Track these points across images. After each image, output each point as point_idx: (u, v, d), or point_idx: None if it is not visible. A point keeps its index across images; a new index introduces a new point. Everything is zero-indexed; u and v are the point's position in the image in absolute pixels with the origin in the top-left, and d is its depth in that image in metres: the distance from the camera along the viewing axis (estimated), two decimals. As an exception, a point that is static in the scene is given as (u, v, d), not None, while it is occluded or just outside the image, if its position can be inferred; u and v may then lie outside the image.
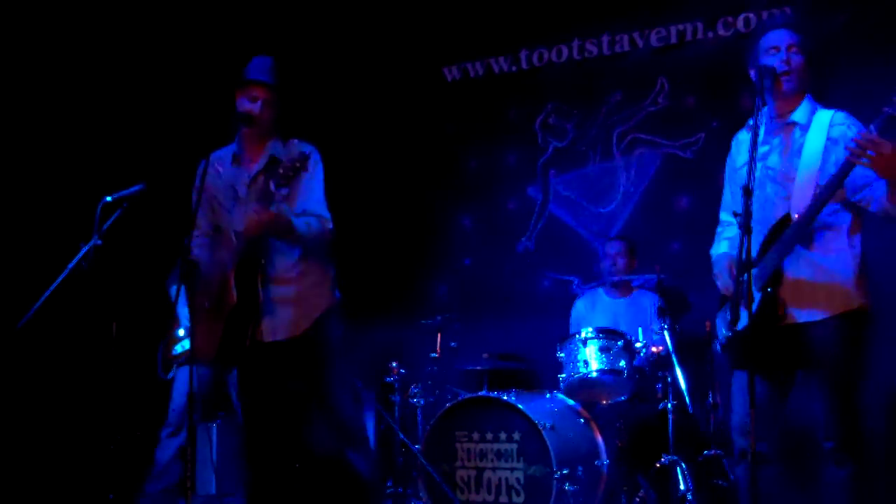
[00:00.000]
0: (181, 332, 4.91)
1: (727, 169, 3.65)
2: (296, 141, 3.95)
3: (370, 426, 5.66)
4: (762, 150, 3.42)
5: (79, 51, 6.11)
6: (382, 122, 6.71)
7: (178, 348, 4.90)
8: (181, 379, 4.85)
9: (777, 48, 3.38)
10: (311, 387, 3.91)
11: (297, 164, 3.60)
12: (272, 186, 3.63)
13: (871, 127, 3.05)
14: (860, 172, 3.14)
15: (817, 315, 3.26)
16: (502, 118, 6.60)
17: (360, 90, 6.69)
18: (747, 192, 3.02)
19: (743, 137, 3.55)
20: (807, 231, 3.24)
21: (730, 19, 5.85)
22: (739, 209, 3.03)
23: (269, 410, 3.88)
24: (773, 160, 3.41)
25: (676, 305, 5.04)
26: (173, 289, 4.96)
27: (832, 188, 3.17)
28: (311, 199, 3.84)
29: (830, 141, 3.30)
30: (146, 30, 6.32)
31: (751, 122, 3.36)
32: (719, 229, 3.69)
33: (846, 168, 3.11)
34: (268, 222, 3.63)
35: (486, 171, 6.64)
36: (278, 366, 3.86)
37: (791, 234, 3.25)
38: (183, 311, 4.87)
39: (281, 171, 3.62)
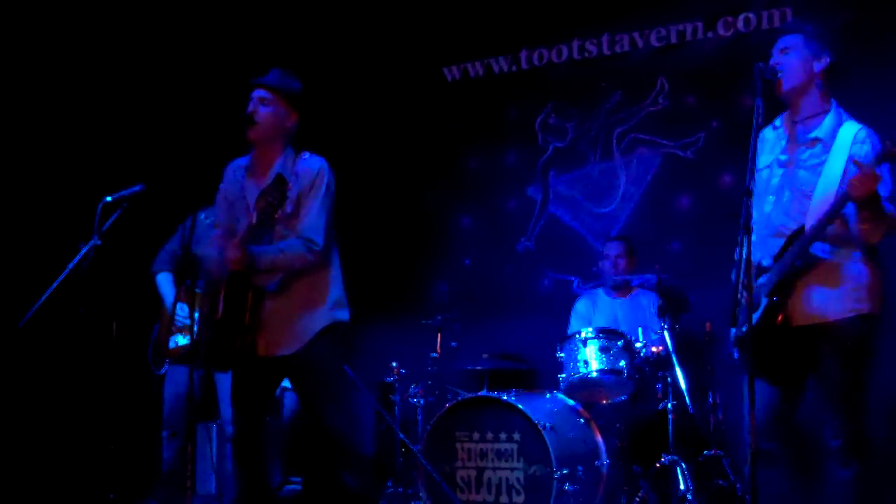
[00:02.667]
0: (174, 327, 4.81)
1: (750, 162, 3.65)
2: (306, 154, 3.89)
3: (370, 427, 5.67)
4: (783, 157, 3.43)
5: (80, 51, 6.11)
6: (383, 122, 6.72)
7: (172, 343, 4.79)
8: (172, 379, 4.80)
9: (771, 55, 3.41)
10: (306, 407, 3.88)
11: (275, 203, 3.57)
12: (254, 219, 3.60)
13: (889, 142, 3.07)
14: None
15: (829, 316, 3.27)
16: (502, 118, 6.60)
17: (360, 90, 6.69)
18: (747, 192, 3.03)
19: (769, 136, 3.53)
20: (807, 248, 3.25)
21: (730, 19, 5.85)
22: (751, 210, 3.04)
23: (259, 422, 3.87)
24: (793, 172, 3.40)
25: (676, 305, 5.04)
26: (160, 276, 4.90)
27: (832, 214, 3.19)
28: (304, 221, 3.76)
29: (850, 159, 3.28)
30: (147, 31, 6.33)
31: (777, 121, 3.38)
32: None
33: (843, 201, 3.15)
34: (242, 258, 3.60)
35: (486, 171, 6.64)
36: (269, 379, 3.86)
37: (795, 252, 3.26)
38: (173, 304, 4.81)
39: (263, 203, 3.58)
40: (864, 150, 3.28)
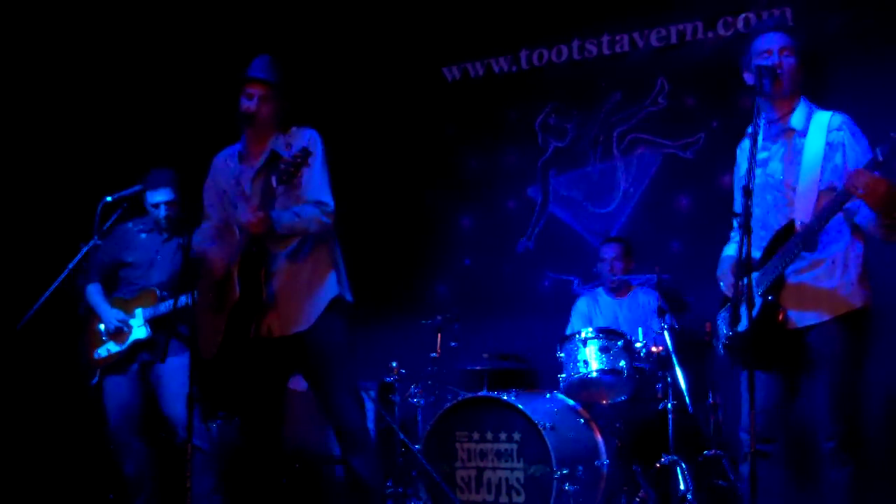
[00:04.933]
0: (104, 334, 4.71)
1: (734, 178, 3.66)
2: (294, 128, 3.94)
3: (370, 426, 5.68)
4: (762, 155, 3.42)
5: (79, 50, 6.11)
6: (382, 122, 6.71)
7: (103, 352, 4.70)
8: (112, 391, 4.68)
9: (770, 51, 3.38)
10: (313, 387, 3.91)
11: (298, 161, 3.60)
12: (273, 182, 3.62)
13: (878, 150, 3.05)
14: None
15: (819, 318, 3.27)
16: (502, 118, 6.60)
17: (360, 90, 6.69)
18: (747, 192, 3.03)
19: (745, 146, 3.55)
20: (810, 240, 3.25)
21: (730, 19, 5.84)
22: (740, 210, 3.05)
23: (270, 407, 3.87)
24: (773, 167, 3.41)
25: (674, 305, 5.05)
26: (89, 287, 4.79)
27: (833, 210, 3.18)
28: (310, 186, 3.81)
29: (829, 146, 3.30)
30: (148, 29, 6.33)
31: (750, 129, 3.37)
32: (732, 233, 3.70)
33: (844, 198, 3.12)
34: (264, 220, 3.62)
35: (486, 171, 6.64)
36: (282, 362, 3.86)
37: (795, 244, 3.26)
38: (108, 312, 4.71)
39: (282, 166, 3.62)
40: (841, 136, 3.29)
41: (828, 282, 3.28)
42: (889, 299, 3.47)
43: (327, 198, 3.82)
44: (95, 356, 4.71)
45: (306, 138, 3.86)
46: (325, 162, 3.89)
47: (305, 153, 3.61)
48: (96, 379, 4.71)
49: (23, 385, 5.55)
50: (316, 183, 3.82)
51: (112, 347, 4.69)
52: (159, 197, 4.73)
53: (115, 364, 4.68)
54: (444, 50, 6.66)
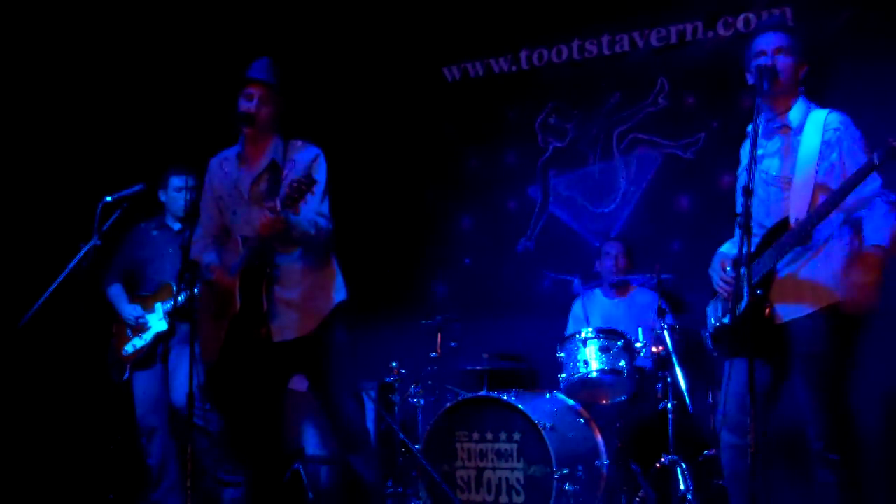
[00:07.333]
0: (129, 331, 4.94)
1: (738, 178, 3.67)
2: (299, 142, 3.94)
3: (370, 426, 5.68)
4: (758, 152, 3.43)
5: (79, 51, 6.11)
6: (382, 122, 6.71)
7: (129, 348, 4.91)
8: (140, 385, 4.90)
9: (764, 52, 3.39)
10: (315, 388, 3.92)
11: (304, 188, 3.58)
12: (278, 205, 3.60)
13: (875, 154, 3.04)
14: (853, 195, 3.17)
15: (802, 311, 3.27)
16: (502, 118, 6.59)
17: (360, 90, 6.68)
18: (747, 192, 3.03)
19: (747, 146, 3.56)
20: (804, 236, 3.25)
21: (730, 19, 5.84)
22: (739, 210, 3.05)
23: (269, 408, 3.89)
24: (768, 163, 3.42)
25: (672, 306, 5.04)
26: (111, 289, 5.03)
27: (829, 207, 3.17)
28: (313, 202, 3.81)
29: (826, 144, 3.30)
30: (147, 30, 6.33)
31: (749, 128, 3.38)
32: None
33: (841, 196, 3.10)
34: (276, 223, 3.61)
35: (486, 171, 6.63)
36: (283, 365, 3.87)
37: (788, 240, 3.25)
38: (127, 309, 4.93)
39: (286, 190, 3.61)
40: (839, 135, 3.29)
41: (811, 273, 3.28)
42: (887, 299, 3.44)
43: (328, 214, 3.87)
44: (124, 353, 4.94)
45: (310, 158, 3.87)
46: (327, 183, 3.92)
47: (311, 182, 3.60)
48: (127, 375, 4.91)
49: (22, 385, 5.54)
50: (319, 200, 3.85)
51: (137, 343, 4.91)
52: (181, 182, 4.99)
53: (143, 359, 4.89)
54: (444, 50, 6.66)
